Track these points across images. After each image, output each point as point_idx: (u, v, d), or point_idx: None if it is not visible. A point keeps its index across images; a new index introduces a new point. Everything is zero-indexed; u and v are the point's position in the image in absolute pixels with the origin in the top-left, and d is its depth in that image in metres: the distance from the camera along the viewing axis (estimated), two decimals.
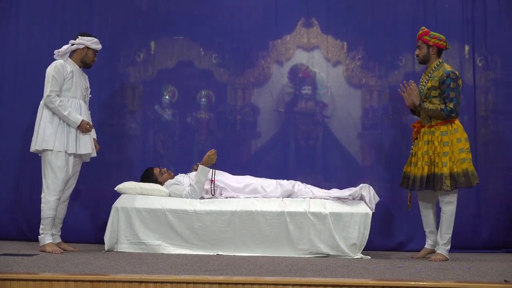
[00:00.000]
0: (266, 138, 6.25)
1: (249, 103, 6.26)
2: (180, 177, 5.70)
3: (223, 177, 5.60)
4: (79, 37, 5.34)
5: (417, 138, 5.22)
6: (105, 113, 6.19)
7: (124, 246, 5.25)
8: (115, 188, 5.53)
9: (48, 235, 5.13)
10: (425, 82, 5.21)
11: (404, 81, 5.34)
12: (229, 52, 6.26)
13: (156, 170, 5.75)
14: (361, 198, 5.36)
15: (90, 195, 6.10)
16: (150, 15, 6.29)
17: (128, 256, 4.90)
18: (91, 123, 5.41)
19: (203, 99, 6.30)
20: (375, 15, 6.21)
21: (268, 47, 6.26)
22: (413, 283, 3.66)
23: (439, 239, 5.12)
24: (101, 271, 3.99)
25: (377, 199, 5.38)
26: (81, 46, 5.32)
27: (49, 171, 5.13)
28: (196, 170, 5.52)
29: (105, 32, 6.20)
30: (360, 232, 5.19)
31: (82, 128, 5.19)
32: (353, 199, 5.36)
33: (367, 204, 5.29)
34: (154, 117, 6.27)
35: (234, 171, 5.81)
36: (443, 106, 5.04)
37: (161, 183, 5.68)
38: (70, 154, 5.17)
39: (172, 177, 5.73)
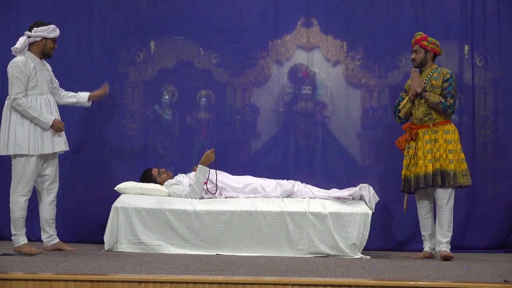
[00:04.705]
0: (265, 138, 6.25)
1: (249, 103, 6.26)
2: (180, 177, 5.70)
3: (223, 177, 5.59)
4: (34, 28, 5.05)
5: (412, 140, 5.22)
6: (105, 113, 6.19)
7: (124, 246, 5.24)
8: (115, 188, 5.53)
9: (22, 236, 5.04)
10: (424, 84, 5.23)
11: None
12: (228, 52, 6.26)
13: (155, 171, 5.74)
14: (361, 198, 5.36)
15: (90, 195, 6.10)
16: (150, 15, 6.29)
17: (128, 256, 4.90)
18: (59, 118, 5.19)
19: (203, 99, 6.30)
20: (375, 15, 6.20)
21: (268, 47, 6.25)
22: (412, 283, 3.66)
23: (442, 238, 5.11)
24: (101, 271, 3.99)
25: (377, 199, 5.38)
26: (39, 38, 5.07)
27: (19, 173, 4.99)
28: (196, 170, 5.51)
29: (105, 32, 6.22)
30: (359, 232, 5.18)
31: (55, 127, 5.03)
32: (353, 199, 5.36)
33: (366, 204, 5.30)
34: (154, 117, 6.26)
35: (233, 171, 5.80)
36: (443, 100, 5.12)
37: (160, 184, 5.67)
38: (44, 155, 5.05)
39: (171, 177, 5.73)
